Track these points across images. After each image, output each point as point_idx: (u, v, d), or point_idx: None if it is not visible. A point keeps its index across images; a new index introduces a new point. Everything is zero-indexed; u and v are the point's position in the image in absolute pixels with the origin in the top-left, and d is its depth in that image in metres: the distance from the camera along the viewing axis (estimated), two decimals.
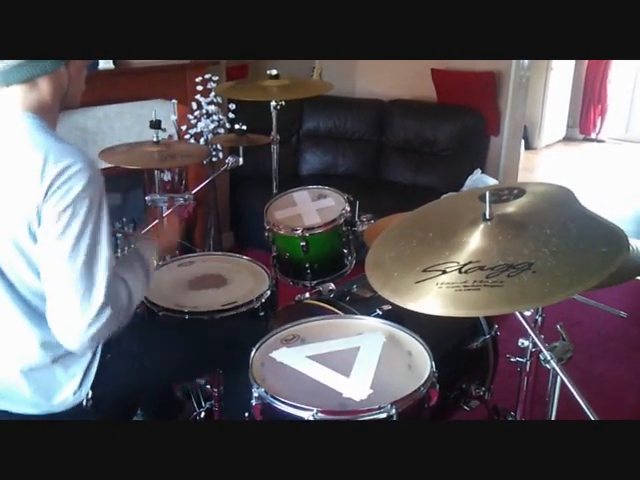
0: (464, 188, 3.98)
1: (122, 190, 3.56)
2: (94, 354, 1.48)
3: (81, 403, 1.47)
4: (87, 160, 1.31)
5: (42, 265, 1.31)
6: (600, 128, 7.17)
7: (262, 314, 1.91)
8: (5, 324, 1.41)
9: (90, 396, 1.47)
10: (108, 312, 1.31)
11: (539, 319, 1.56)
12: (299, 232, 2.22)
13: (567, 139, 7.28)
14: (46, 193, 1.26)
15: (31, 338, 1.40)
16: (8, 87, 1.34)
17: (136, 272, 1.47)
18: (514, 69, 4.13)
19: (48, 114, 1.38)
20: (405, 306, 1.22)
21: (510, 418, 1.83)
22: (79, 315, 1.28)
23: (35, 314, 1.39)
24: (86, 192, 1.27)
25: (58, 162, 1.27)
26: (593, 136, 7.22)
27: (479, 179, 4.02)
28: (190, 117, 3.48)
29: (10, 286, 1.37)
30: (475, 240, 1.27)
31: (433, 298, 1.19)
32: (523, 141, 5.44)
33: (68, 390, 1.46)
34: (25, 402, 1.45)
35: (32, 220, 1.27)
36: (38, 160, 1.28)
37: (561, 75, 6.77)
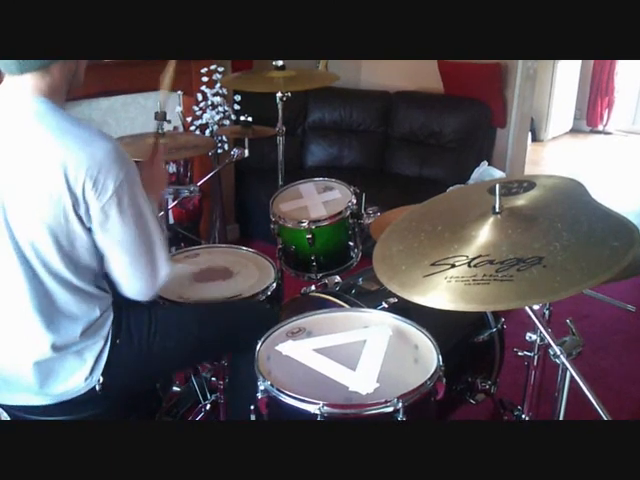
0: (470, 180, 3.96)
1: None
2: (106, 340, 1.49)
3: (92, 389, 1.48)
4: (107, 138, 1.35)
5: (103, 246, 1.40)
6: (607, 120, 7.14)
7: (268, 307, 1.90)
8: (22, 315, 1.41)
9: (101, 382, 1.48)
10: (167, 266, 1.49)
11: (547, 313, 1.55)
12: (305, 224, 2.21)
13: (574, 131, 7.25)
14: (83, 184, 1.30)
15: (46, 331, 1.41)
16: (22, 75, 1.34)
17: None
18: (521, 61, 4.10)
19: (57, 96, 1.39)
20: (413, 300, 1.21)
21: (516, 412, 1.82)
22: (149, 282, 1.46)
23: (54, 306, 1.41)
24: (120, 176, 1.34)
25: (84, 151, 1.30)
26: (600, 128, 7.19)
27: (486, 171, 4.00)
28: (195, 108, 3.47)
29: (34, 275, 1.38)
30: (484, 233, 1.26)
31: (442, 292, 1.18)
32: (530, 133, 5.41)
33: (80, 376, 1.47)
34: (35, 390, 1.46)
35: (68, 207, 1.32)
36: (60, 147, 1.30)
37: (568, 67, 6.73)
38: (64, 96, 1.43)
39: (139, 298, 1.49)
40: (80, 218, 1.34)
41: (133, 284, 1.46)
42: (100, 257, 1.43)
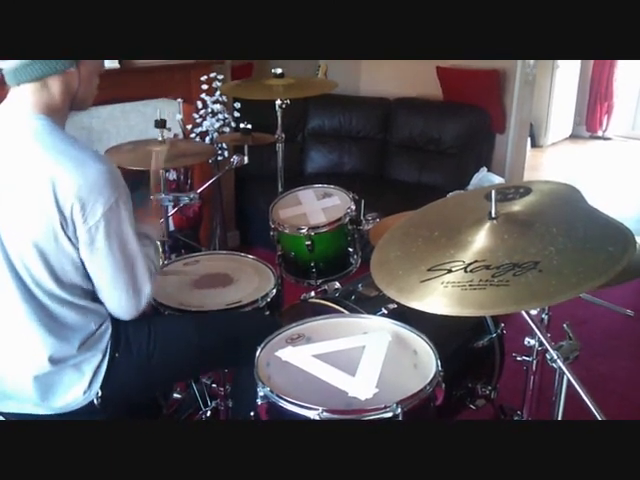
0: (470, 186, 3.97)
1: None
2: (104, 354, 1.49)
3: (91, 402, 1.48)
4: (102, 160, 1.35)
5: (87, 266, 1.41)
6: (607, 126, 7.15)
7: (267, 313, 1.91)
8: (18, 329, 1.42)
9: (100, 395, 1.49)
10: (150, 288, 1.49)
11: (545, 318, 1.55)
12: (304, 231, 2.22)
13: (574, 137, 7.26)
14: (72, 205, 1.31)
15: (43, 345, 1.42)
16: (19, 86, 1.36)
17: (147, 246, 1.59)
18: (520, 67, 4.12)
19: (57, 115, 1.40)
20: (410, 305, 1.21)
21: (516, 417, 1.82)
22: (131, 302, 1.47)
23: (49, 320, 1.41)
24: (111, 200, 1.34)
25: (77, 172, 1.31)
26: (600, 134, 7.20)
27: (485, 177, 4.01)
28: (195, 116, 3.48)
29: (27, 291, 1.39)
30: (481, 239, 1.27)
31: (438, 297, 1.18)
32: (529, 139, 5.42)
33: (78, 390, 1.47)
34: (35, 402, 1.46)
35: (57, 226, 1.32)
36: (53, 167, 1.31)
37: (567, 72, 6.75)
38: (65, 114, 1.44)
39: (121, 317, 1.51)
40: (69, 238, 1.35)
41: (114, 303, 1.47)
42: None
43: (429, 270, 1.25)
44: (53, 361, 1.43)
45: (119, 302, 1.47)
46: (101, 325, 1.49)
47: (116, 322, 1.53)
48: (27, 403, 1.47)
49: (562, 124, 7.07)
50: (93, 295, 1.48)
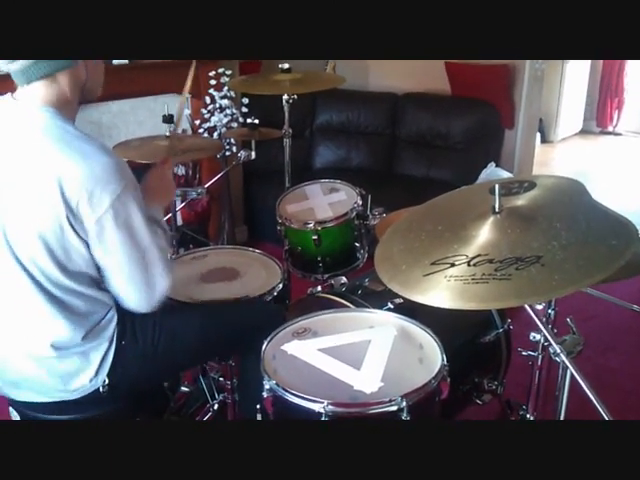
0: (478, 182, 3.95)
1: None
2: (110, 342, 1.51)
3: (97, 390, 1.50)
4: (108, 153, 1.36)
5: (100, 260, 1.41)
6: (617, 121, 7.11)
7: (273, 305, 1.92)
8: (26, 318, 1.44)
9: (106, 383, 1.50)
10: (165, 282, 1.48)
11: (551, 313, 1.56)
12: (311, 226, 2.23)
13: (584, 132, 7.21)
14: (78, 197, 1.31)
15: (50, 333, 1.44)
16: (29, 85, 1.37)
17: (158, 233, 1.56)
18: (529, 62, 4.09)
19: (67, 108, 1.41)
20: (413, 299, 1.22)
21: (521, 412, 1.82)
22: (144, 296, 1.47)
23: (58, 309, 1.43)
24: (118, 190, 1.34)
25: (83, 164, 1.31)
26: (610, 129, 7.16)
27: (493, 172, 3.99)
28: (204, 111, 3.50)
29: (35, 282, 1.40)
30: (484, 233, 1.27)
31: (441, 291, 1.19)
32: (539, 134, 5.39)
33: (85, 377, 1.48)
34: (41, 390, 1.48)
35: (63, 218, 1.33)
36: (59, 159, 1.31)
37: (577, 68, 6.70)
38: (75, 106, 1.45)
39: (138, 310, 1.50)
40: (75, 230, 1.35)
41: (130, 297, 1.47)
42: (98, 264, 1.44)
43: (432, 264, 1.25)
44: (58, 348, 1.44)
45: (134, 295, 1.47)
46: (107, 313, 1.51)
47: (122, 310, 1.54)
48: (31, 391, 1.49)
49: (572, 119, 7.03)
50: (100, 284, 1.49)
